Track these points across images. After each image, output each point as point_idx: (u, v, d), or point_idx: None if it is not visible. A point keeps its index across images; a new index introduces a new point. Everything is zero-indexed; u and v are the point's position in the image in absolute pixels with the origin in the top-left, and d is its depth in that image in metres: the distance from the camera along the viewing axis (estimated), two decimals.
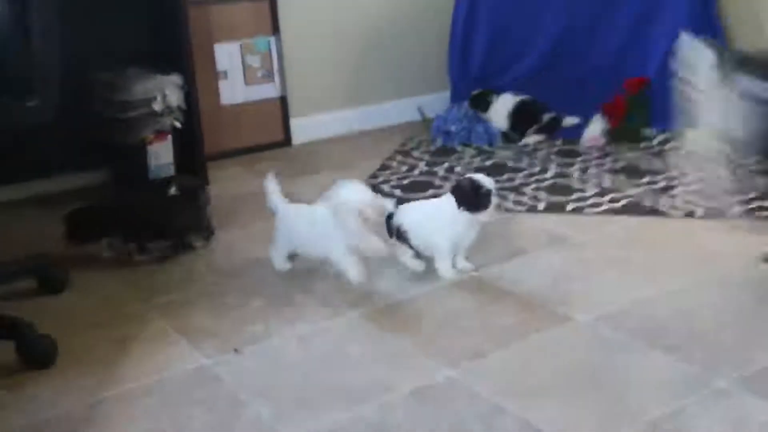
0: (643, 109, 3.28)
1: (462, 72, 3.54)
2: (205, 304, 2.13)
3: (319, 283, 2.21)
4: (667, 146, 3.21)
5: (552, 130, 3.32)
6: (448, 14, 3.57)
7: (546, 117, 3.31)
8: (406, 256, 2.24)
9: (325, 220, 2.13)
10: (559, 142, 3.32)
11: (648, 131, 3.34)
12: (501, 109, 3.36)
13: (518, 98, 3.35)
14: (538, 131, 3.30)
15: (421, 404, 1.66)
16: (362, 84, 3.69)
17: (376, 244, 2.12)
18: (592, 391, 1.67)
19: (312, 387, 1.74)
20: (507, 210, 2.64)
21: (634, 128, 3.27)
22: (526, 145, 3.29)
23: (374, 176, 3.03)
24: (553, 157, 3.16)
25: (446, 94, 3.64)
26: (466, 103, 3.40)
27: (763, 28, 3.17)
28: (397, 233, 2.23)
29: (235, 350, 1.88)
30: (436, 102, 3.68)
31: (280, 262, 2.28)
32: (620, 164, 3.04)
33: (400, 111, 3.73)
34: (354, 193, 2.11)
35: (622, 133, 3.25)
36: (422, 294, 2.13)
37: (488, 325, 1.96)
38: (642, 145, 3.24)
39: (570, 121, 3.31)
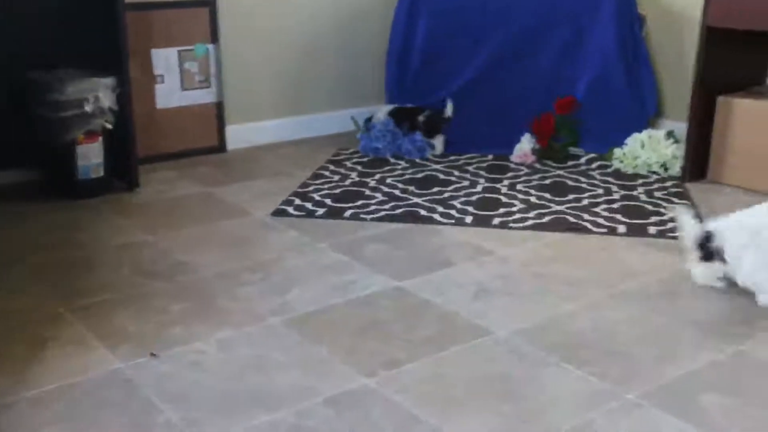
0: (572, 129, 3.36)
1: (399, 86, 3.57)
2: (127, 307, 2.11)
3: (243, 288, 2.21)
4: (594, 165, 3.30)
5: (434, 126, 3.39)
6: (386, 28, 3.61)
7: (421, 117, 3.40)
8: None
9: None
10: (490, 157, 3.38)
11: (576, 150, 3.42)
12: (380, 114, 3.51)
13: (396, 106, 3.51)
14: (415, 128, 3.40)
15: (337, 411, 1.67)
16: (298, 94, 3.70)
17: None
18: (505, 404, 1.71)
19: (229, 392, 1.74)
20: (435, 222, 2.69)
21: (563, 147, 3.34)
22: (456, 159, 3.34)
23: (305, 185, 3.04)
24: (482, 172, 3.21)
25: (381, 107, 3.66)
26: (389, 119, 3.43)
27: (684, 50, 3.28)
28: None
29: (152, 354, 1.87)
30: (370, 114, 3.72)
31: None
32: (548, 181, 3.10)
33: (335, 121, 3.75)
34: None
35: (550, 151, 3.32)
36: (344, 303, 2.14)
37: (407, 335, 1.98)
38: (570, 163, 3.31)
39: (450, 109, 3.40)
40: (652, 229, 2.64)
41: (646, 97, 3.47)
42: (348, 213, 2.76)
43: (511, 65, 3.44)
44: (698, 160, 3.15)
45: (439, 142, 3.40)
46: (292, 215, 2.75)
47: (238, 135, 3.55)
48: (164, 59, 3.33)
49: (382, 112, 3.51)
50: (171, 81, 3.37)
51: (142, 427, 1.61)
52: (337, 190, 2.99)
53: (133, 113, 2.99)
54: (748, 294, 2.19)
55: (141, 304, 2.13)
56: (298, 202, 2.86)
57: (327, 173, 3.19)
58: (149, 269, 2.34)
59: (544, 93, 3.41)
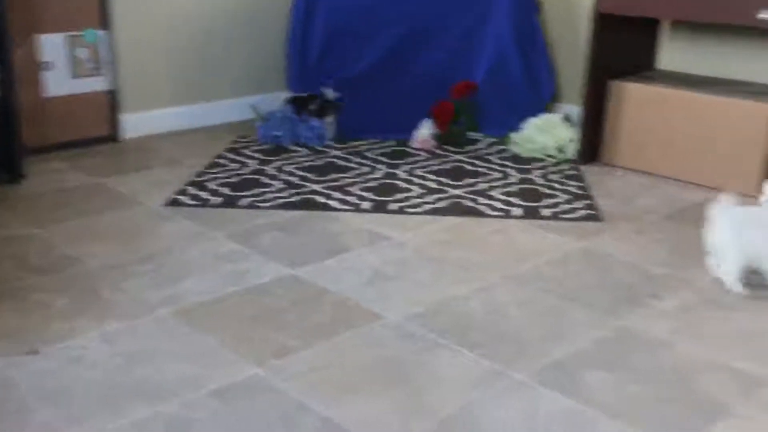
0: (470, 114, 3.38)
1: (299, 74, 3.53)
2: (9, 302, 2.03)
3: (131, 280, 2.16)
4: (493, 149, 3.34)
5: (324, 112, 3.39)
6: (285, 14, 3.57)
7: (313, 105, 3.39)
8: None
9: None
10: (390, 143, 3.39)
11: (475, 135, 3.45)
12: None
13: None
14: (314, 114, 3.38)
15: (224, 402, 1.65)
16: (196, 81, 3.62)
17: None
18: (395, 388, 1.71)
19: (112, 387, 1.69)
20: (332, 209, 2.67)
21: (461, 132, 3.37)
22: (357, 146, 3.33)
23: (202, 174, 2.98)
24: (382, 158, 3.21)
25: (281, 95, 3.63)
26: (287, 107, 3.40)
27: (579, 36, 3.34)
28: None
29: (31, 351, 1.80)
30: (271, 102, 3.68)
31: (737, 282, 2.15)
32: (447, 166, 3.12)
33: (234, 109, 3.69)
34: None
35: (449, 137, 3.34)
36: (237, 292, 2.11)
37: (300, 323, 1.96)
38: (469, 148, 3.34)
39: (330, 94, 3.40)
40: (546, 212, 2.68)
41: (543, 82, 3.53)
42: (245, 201, 2.72)
43: (411, 52, 3.44)
44: (592, 144, 3.22)
45: (328, 127, 3.38)
46: (186, 205, 2.69)
47: (134, 124, 3.46)
48: (51, 45, 3.21)
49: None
50: (60, 68, 3.25)
51: (17, 427, 1.55)
52: (235, 179, 2.94)
53: (17, 102, 2.87)
54: (637, 272, 2.25)
55: (23, 299, 2.05)
56: (193, 191, 2.80)
57: (225, 162, 3.14)
58: (33, 263, 2.26)
59: (443, 79, 3.42)
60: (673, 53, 3.35)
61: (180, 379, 1.72)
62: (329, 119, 3.35)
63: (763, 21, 2.69)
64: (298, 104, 3.40)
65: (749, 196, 2.82)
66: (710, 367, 1.79)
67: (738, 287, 2.14)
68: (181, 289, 2.11)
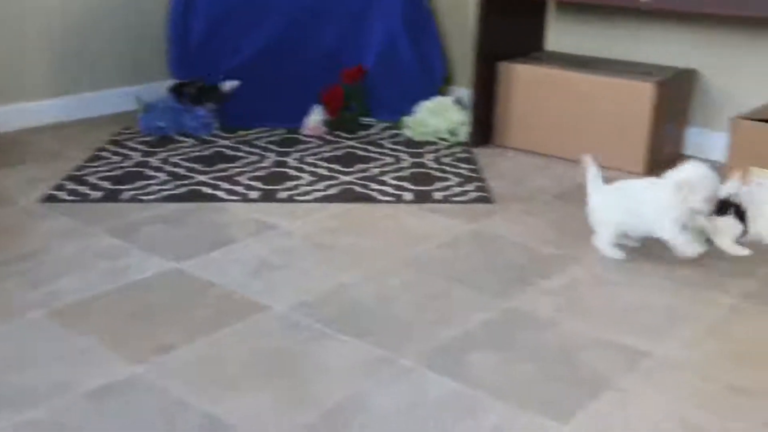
0: (361, 99, 3.35)
1: (180, 62, 3.42)
2: None
3: (2, 282, 2.04)
4: (386, 134, 3.31)
5: (203, 99, 3.30)
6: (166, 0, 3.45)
7: (192, 89, 3.30)
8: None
9: (658, 197, 2.16)
10: (281, 131, 3.32)
11: (368, 120, 3.42)
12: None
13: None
14: (193, 101, 3.29)
15: (100, 403, 1.57)
16: (76, 71, 3.47)
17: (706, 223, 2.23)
18: (281, 380, 1.66)
19: None
20: (219, 200, 2.60)
21: (353, 117, 3.33)
22: (246, 134, 3.26)
23: (82, 168, 2.86)
24: (272, 146, 3.14)
25: (168, 83, 3.51)
26: (169, 95, 3.29)
27: (469, 19, 3.34)
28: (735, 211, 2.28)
29: None
30: (157, 91, 3.55)
31: (613, 249, 2.24)
32: (338, 152, 3.08)
33: (118, 100, 3.56)
34: (696, 171, 2.15)
35: (341, 123, 3.30)
36: (116, 289, 2.02)
37: (183, 318, 1.89)
38: (361, 133, 3.31)
39: (229, 85, 3.31)
40: (437, 195, 2.67)
41: (434, 65, 3.52)
42: (127, 195, 2.61)
43: (299, 38, 3.37)
44: (484, 126, 3.23)
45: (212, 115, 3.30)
46: (64, 201, 2.57)
47: (6, 117, 3.28)
48: None
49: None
50: None
51: None
52: (117, 172, 2.83)
53: None
54: (526, 252, 2.26)
55: None
56: (71, 186, 2.68)
57: (107, 154, 3.01)
58: None
59: (333, 64, 3.37)
60: (560, 35, 3.39)
61: (53, 383, 1.63)
62: (210, 106, 3.25)
63: (645, 3, 2.74)
64: (178, 92, 3.30)
65: (635, 174, 2.88)
66: (594, 342, 1.81)
67: (615, 253, 2.22)
68: (57, 289, 2.01)
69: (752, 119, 2.65)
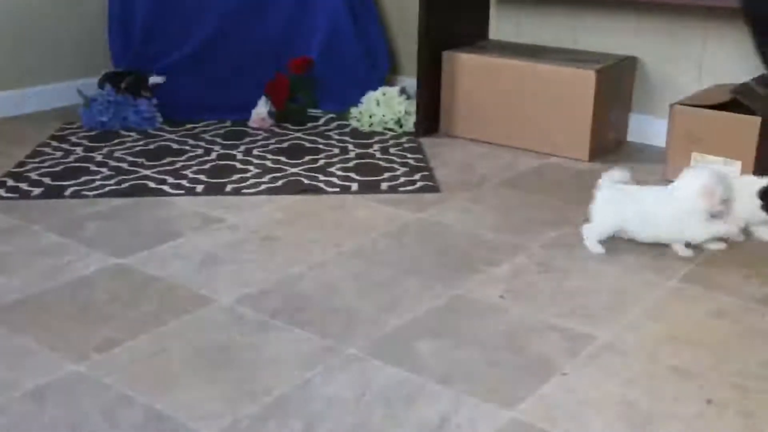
0: (308, 90, 3.33)
1: (123, 53, 3.37)
2: None
3: None
4: (332, 125, 3.30)
5: (136, 91, 3.26)
6: None
7: (124, 83, 3.27)
8: None
9: (677, 205, 2.17)
10: (227, 124, 3.29)
11: (315, 111, 3.40)
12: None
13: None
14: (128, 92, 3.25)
15: (39, 403, 1.54)
16: (14, 65, 3.39)
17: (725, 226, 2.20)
18: (225, 373, 1.64)
19: None
20: (164, 194, 2.56)
21: (300, 108, 3.31)
22: (192, 128, 3.22)
23: (22, 164, 2.80)
24: (218, 139, 3.11)
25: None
26: (111, 89, 3.23)
27: (413, 9, 3.33)
28: None
29: None
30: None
31: (596, 244, 2.22)
32: (285, 144, 3.06)
33: (60, 94, 3.49)
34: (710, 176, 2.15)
35: (288, 114, 3.28)
36: (57, 287, 1.98)
37: (126, 314, 1.86)
38: (309, 125, 3.29)
39: (155, 80, 3.28)
40: (384, 186, 2.67)
41: (378, 55, 3.51)
42: (69, 191, 2.57)
43: (243, 28, 3.34)
44: (430, 115, 3.23)
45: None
46: (3, 198, 2.51)
47: None
48: None
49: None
50: None
51: None
52: (58, 168, 2.77)
53: None
54: (472, 240, 2.27)
55: None
56: (11, 183, 2.62)
57: (48, 150, 2.95)
58: None
59: (277, 55, 3.35)
60: (504, 24, 3.41)
61: None
62: (147, 96, 3.21)
63: None
64: (113, 82, 3.24)
65: (580, 161, 2.91)
66: (540, 328, 1.82)
67: (597, 248, 2.21)
68: None
69: (691, 105, 2.69)
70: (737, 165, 2.57)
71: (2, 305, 1.89)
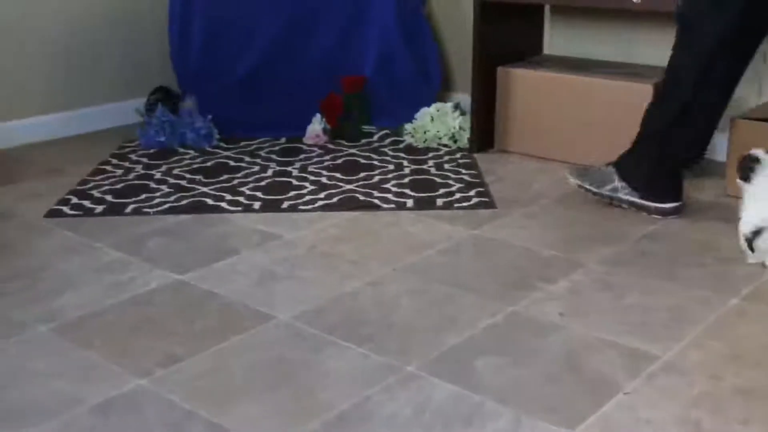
0: (362, 107, 3.36)
1: (184, 75, 3.43)
2: None
3: (4, 298, 2.04)
4: (387, 141, 3.32)
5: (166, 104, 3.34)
6: (165, 13, 3.45)
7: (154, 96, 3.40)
8: None
9: None
10: (282, 141, 3.33)
11: (369, 128, 3.42)
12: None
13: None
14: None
15: (105, 417, 1.57)
16: (74, 85, 3.48)
17: None
18: (285, 389, 1.66)
19: None
20: (222, 211, 2.60)
21: (354, 125, 3.34)
22: (248, 144, 3.26)
23: (85, 182, 2.87)
24: (274, 156, 3.15)
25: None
26: (162, 109, 3.28)
27: (466, 25, 3.34)
28: None
29: None
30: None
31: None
32: (340, 161, 3.08)
33: (119, 113, 3.57)
34: None
35: (342, 131, 3.31)
36: (120, 303, 2.02)
37: (187, 329, 1.90)
38: (363, 141, 3.31)
39: (187, 104, 3.33)
40: (439, 201, 2.67)
41: (432, 71, 3.52)
42: (130, 208, 2.62)
43: (295, 47, 3.38)
44: (484, 131, 3.23)
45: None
46: (67, 215, 2.57)
47: (7, 133, 3.27)
48: None
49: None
50: None
51: None
52: (119, 186, 2.83)
53: None
54: (528, 257, 2.26)
55: None
56: (75, 200, 2.69)
57: (109, 168, 3.02)
58: None
59: (331, 72, 3.38)
60: (558, 38, 3.39)
61: (58, 398, 1.63)
62: (164, 111, 3.28)
63: (635, 4, 2.73)
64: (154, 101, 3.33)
65: None
66: (599, 346, 1.81)
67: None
68: (59, 304, 2.01)
69: (751, 119, 2.65)
70: None
71: (68, 321, 1.94)
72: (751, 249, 2.19)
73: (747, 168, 2.27)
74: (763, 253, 2.17)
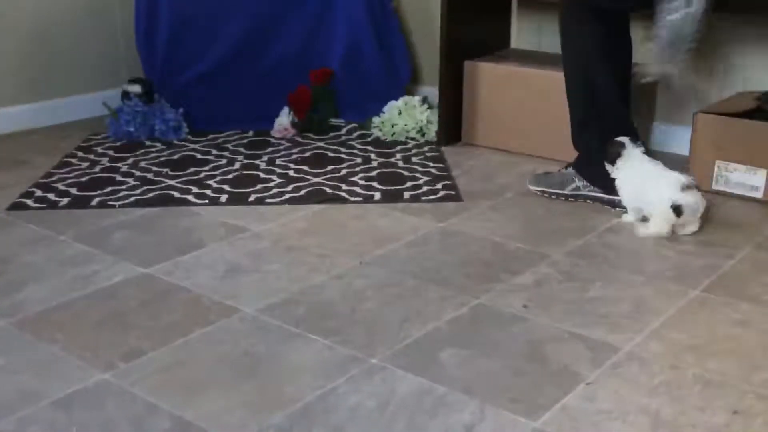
0: (329, 100, 3.35)
1: (151, 65, 3.40)
2: None
3: None
4: (354, 135, 3.31)
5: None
6: (132, 3, 3.42)
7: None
8: None
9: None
10: (250, 134, 3.32)
11: (337, 121, 3.42)
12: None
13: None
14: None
15: (67, 412, 1.56)
16: (41, 77, 3.44)
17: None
18: (250, 382, 1.66)
19: None
20: (189, 204, 2.59)
21: (322, 119, 3.33)
22: (216, 137, 3.25)
23: (50, 174, 2.84)
24: (242, 149, 3.14)
25: (135, 87, 3.48)
26: (137, 100, 3.26)
27: (434, 19, 3.35)
28: None
29: None
30: None
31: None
32: (307, 154, 3.08)
33: (86, 105, 3.53)
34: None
35: (310, 124, 3.30)
36: (84, 296, 2.01)
37: (151, 323, 1.89)
38: (331, 134, 3.31)
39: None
40: (406, 195, 2.68)
41: (399, 65, 3.52)
42: (95, 201, 2.60)
43: (264, 40, 3.36)
44: (452, 125, 3.24)
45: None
46: (31, 208, 2.55)
47: None
48: None
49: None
50: None
51: None
52: (85, 178, 2.81)
53: None
54: (494, 249, 2.27)
55: None
56: (39, 193, 2.66)
57: (75, 161, 2.99)
58: None
59: (299, 66, 3.37)
60: (525, 33, 3.41)
61: (18, 393, 1.61)
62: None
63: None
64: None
65: None
66: (563, 337, 1.82)
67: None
68: (21, 298, 1.99)
69: (715, 113, 2.68)
70: (762, 173, 2.56)
71: (30, 314, 1.92)
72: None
73: (614, 153, 2.44)
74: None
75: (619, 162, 2.42)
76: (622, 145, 2.42)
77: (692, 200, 2.31)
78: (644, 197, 2.37)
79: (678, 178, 2.32)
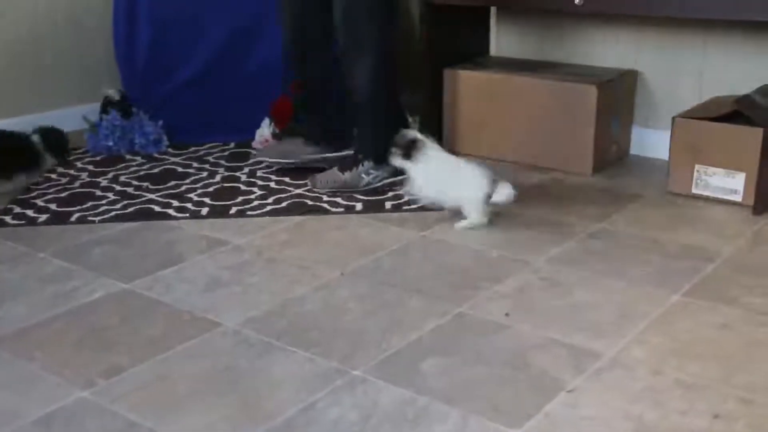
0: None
1: (131, 77, 3.39)
2: None
3: None
4: None
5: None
6: (110, 17, 3.41)
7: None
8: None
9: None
10: (232, 146, 3.31)
11: None
12: None
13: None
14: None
15: (48, 430, 1.54)
16: (19, 92, 3.42)
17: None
18: (231, 397, 1.65)
19: None
20: (169, 218, 2.58)
21: (302, 129, 3.31)
22: (197, 150, 3.24)
23: (28, 191, 2.82)
24: (223, 161, 3.12)
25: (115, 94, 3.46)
26: (115, 114, 3.26)
27: (414, 27, 3.35)
28: None
29: None
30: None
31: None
32: (289, 166, 3.07)
33: (66, 120, 3.50)
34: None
35: (291, 134, 3.29)
36: (63, 313, 1.99)
37: (131, 339, 1.87)
38: None
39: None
40: (388, 204, 2.67)
41: None
42: (74, 217, 2.58)
43: (243, 51, 3.35)
44: (433, 132, 3.21)
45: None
46: (9, 225, 2.53)
47: None
48: None
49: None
50: None
51: None
52: (64, 194, 2.79)
53: None
54: (476, 257, 2.27)
55: None
56: (17, 210, 2.64)
57: (54, 176, 2.97)
58: None
59: (280, 76, 3.35)
60: (504, 40, 3.42)
61: None
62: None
63: (578, 6, 2.75)
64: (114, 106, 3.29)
65: (582, 175, 2.91)
66: (545, 344, 1.82)
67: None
68: (0, 316, 1.97)
69: (693, 117, 2.70)
70: (741, 176, 2.57)
71: (9, 332, 1.90)
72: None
73: (410, 148, 2.50)
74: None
75: (416, 155, 2.50)
76: (416, 140, 2.52)
77: (507, 191, 2.46)
78: (451, 190, 2.48)
79: (483, 171, 2.47)
